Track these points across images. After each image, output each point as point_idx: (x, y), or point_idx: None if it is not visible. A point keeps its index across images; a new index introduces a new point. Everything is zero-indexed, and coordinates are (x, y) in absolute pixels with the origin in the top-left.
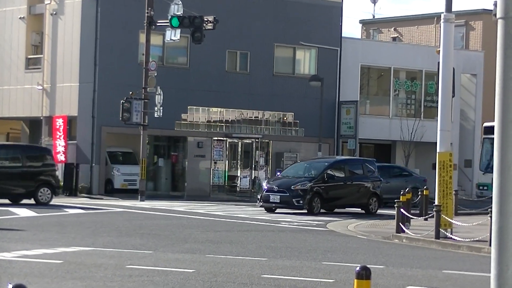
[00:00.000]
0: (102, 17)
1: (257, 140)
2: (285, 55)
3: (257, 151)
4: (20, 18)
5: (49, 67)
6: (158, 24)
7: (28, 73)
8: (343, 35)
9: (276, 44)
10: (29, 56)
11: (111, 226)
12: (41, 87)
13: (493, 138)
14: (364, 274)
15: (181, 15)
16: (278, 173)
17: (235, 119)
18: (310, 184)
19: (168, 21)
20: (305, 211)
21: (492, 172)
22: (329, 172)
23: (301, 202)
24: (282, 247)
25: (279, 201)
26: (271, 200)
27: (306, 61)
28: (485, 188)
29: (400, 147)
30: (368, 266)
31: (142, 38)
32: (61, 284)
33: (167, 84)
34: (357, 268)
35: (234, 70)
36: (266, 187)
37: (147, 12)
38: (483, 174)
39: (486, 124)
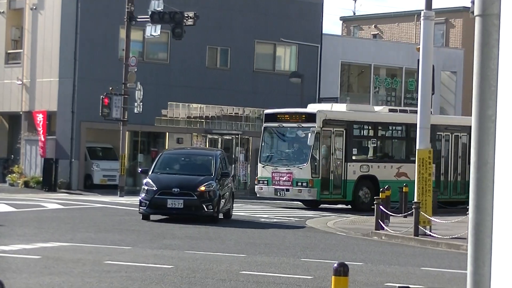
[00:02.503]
0: (82, 12)
1: (237, 136)
2: (266, 51)
3: (237, 148)
4: None
5: (29, 62)
6: (138, 19)
7: (8, 68)
8: (323, 32)
9: (257, 40)
10: (9, 51)
11: (90, 222)
12: (21, 82)
13: (273, 127)
14: (342, 270)
15: (162, 10)
16: (140, 170)
17: (215, 115)
18: (215, 185)
19: (148, 16)
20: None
21: (271, 165)
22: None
23: (211, 207)
24: (261, 244)
25: (182, 207)
26: (169, 206)
27: (286, 58)
28: (265, 182)
29: None
30: (346, 263)
31: (122, 33)
32: (39, 279)
33: (147, 80)
34: (335, 265)
35: (214, 66)
36: (155, 188)
37: (128, 8)
38: (263, 167)
39: (267, 111)
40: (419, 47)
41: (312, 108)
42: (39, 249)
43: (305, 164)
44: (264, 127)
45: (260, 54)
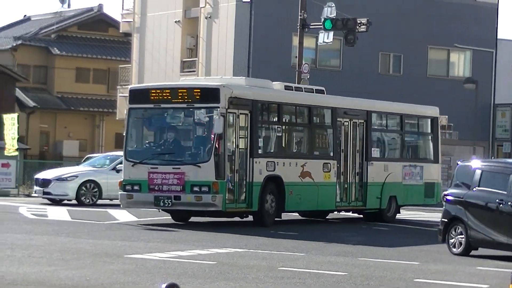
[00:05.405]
0: (256, 20)
1: None
2: (439, 57)
3: None
4: (175, 22)
5: (203, 70)
6: (311, 26)
7: (183, 76)
8: (498, 36)
9: (430, 46)
10: (184, 59)
11: (264, 228)
12: None
13: (142, 109)
14: None
15: (334, 17)
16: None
17: None
18: None
19: (321, 23)
20: None
21: (147, 163)
22: None
23: None
24: (434, 251)
25: None
26: None
27: (460, 63)
28: (137, 187)
29: None
30: None
31: (295, 40)
32: (214, 284)
33: (320, 87)
34: None
35: (387, 73)
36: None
37: (300, 15)
38: (132, 166)
39: (133, 87)
40: None
41: (191, 82)
42: (214, 255)
43: (207, 161)
44: (130, 110)
45: (433, 60)
